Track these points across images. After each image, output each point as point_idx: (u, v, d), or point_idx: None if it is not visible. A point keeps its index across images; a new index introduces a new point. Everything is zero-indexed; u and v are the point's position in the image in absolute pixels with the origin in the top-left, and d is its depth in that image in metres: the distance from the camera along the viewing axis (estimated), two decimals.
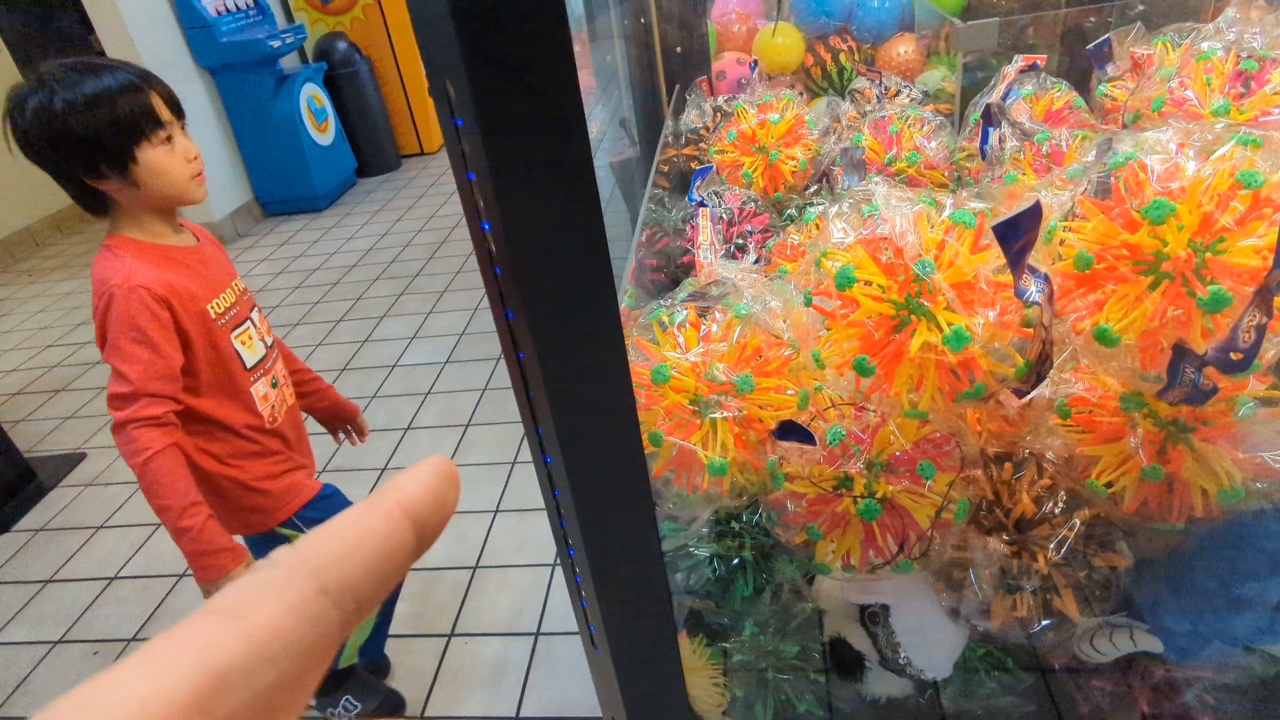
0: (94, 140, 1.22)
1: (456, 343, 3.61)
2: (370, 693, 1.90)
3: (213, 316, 1.37)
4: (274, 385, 1.50)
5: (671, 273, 1.42)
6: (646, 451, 0.74)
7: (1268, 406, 0.69)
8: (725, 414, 0.69)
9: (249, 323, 1.46)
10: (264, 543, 1.54)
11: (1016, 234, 0.54)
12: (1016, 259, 0.56)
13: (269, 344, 1.51)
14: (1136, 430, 0.70)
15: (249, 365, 1.44)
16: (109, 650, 2.29)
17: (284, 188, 5.53)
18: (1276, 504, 0.66)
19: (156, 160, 1.27)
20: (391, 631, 1.97)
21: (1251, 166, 0.56)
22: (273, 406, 1.49)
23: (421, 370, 3.43)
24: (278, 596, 0.18)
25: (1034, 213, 0.54)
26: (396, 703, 1.95)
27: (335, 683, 1.85)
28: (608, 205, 2.31)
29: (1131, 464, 0.71)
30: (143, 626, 2.35)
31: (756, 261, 1.26)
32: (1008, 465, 0.80)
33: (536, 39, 0.49)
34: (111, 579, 2.55)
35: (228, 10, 5.14)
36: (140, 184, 1.28)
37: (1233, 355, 0.57)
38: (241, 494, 1.46)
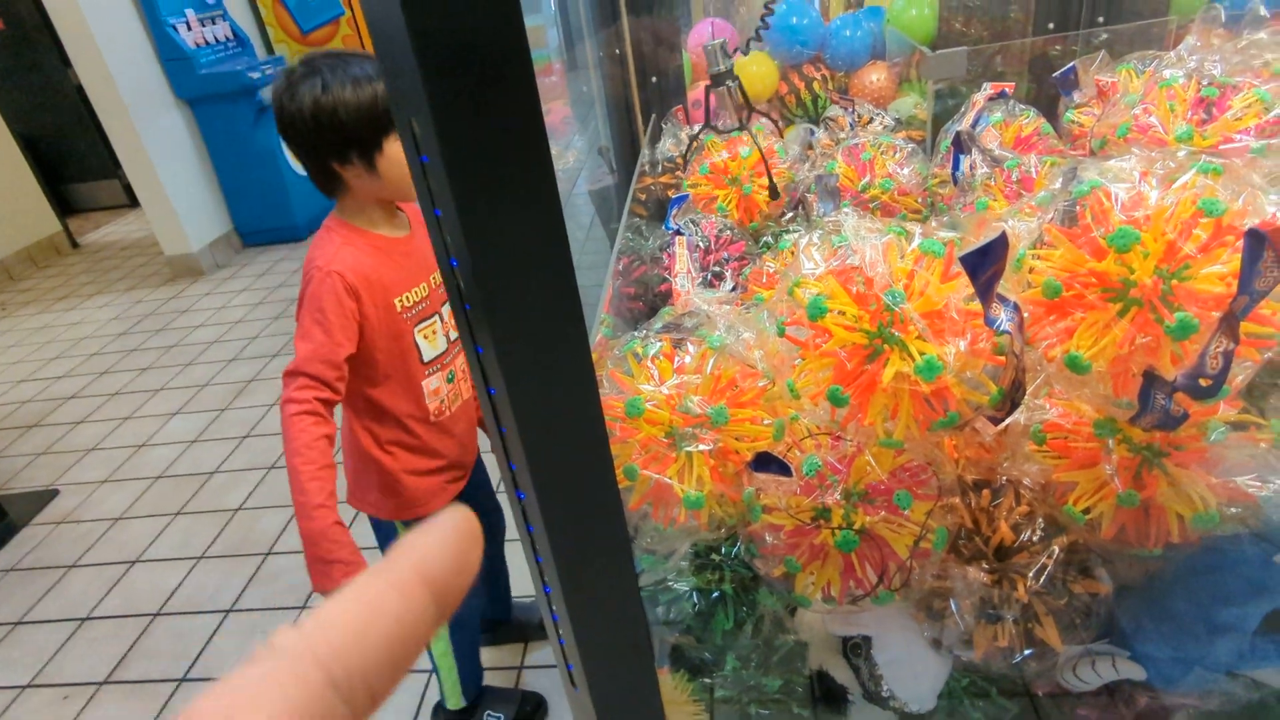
0: (353, 128, 1.28)
1: None
2: (506, 701, 1.89)
3: (399, 309, 1.42)
4: (449, 380, 1.54)
5: (649, 301, 1.42)
6: (622, 486, 0.73)
7: (1239, 430, 0.69)
8: (701, 447, 0.68)
9: (437, 317, 1.50)
10: (388, 534, 1.61)
11: (984, 264, 0.54)
12: (985, 289, 0.56)
13: (453, 339, 1.54)
14: (1111, 456, 0.70)
15: (426, 359, 1.49)
16: (80, 694, 2.22)
17: (263, 218, 5.51)
18: (1252, 529, 0.66)
19: (398, 153, 1.32)
20: None
21: (1213, 195, 0.57)
22: (442, 400, 1.53)
23: None
24: (279, 695, 0.16)
25: (1001, 243, 0.54)
26: (536, 701, 1.93)
27: (468, 709, 1.86)
28: (587, 233, 2.31)
29: (1108, 490, 0.71)
30: (115, 668, 2.29)
31: (734, 289, 1.26)
32: (985, 492, 0.80)
33: (500, 77, 0.49)
34: (84, 620, 2.49)
35: (207, 43, 5.14)
36: (380, 173, 1.34)
37: (1202, 381, 0.57)
38: (384, 479, 1.52)
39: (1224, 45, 1.13)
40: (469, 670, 1.83)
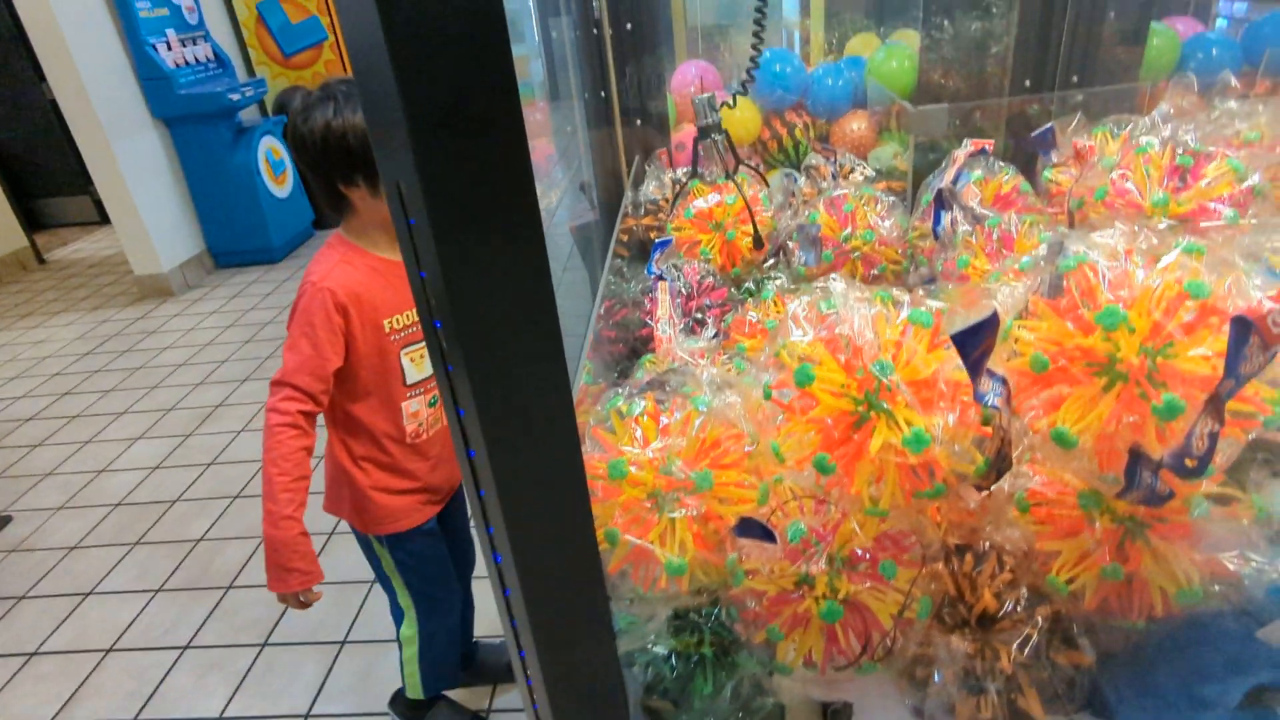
0: (359, 153, 1.33)
1: None
2: (459, 716, 1.91)
3: (387, 330, 1.45)
4: (431, 404, 1.56)
5: (630, 344, 1.41)
6: (602, 549, 0.71)
7: (1221, 504, 0.69)
8: (684, 512, 0.67)
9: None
10: (364, 543, 1.65)
11: (975, 342, 0.54)
12: (975, 366, 0.56)
13: None
14: (1095, 527, 0.70)
15: (409, 381, 1.51)
16: None
17: (238, 239, 5.43)
18: (1235, 605, 0.66)
19: None
20: None
21: (1197, 277, 0.57)
22: (420, 424, 1.55)
23: None
24: None
25: (991, 322, 0.54)
26: None
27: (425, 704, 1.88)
28: (565, 271, 2.31)
29: (1091, 561, 0.70)
30: (63, 707, 2.19)
31: (715, 336, 1.25)
32: (969, 557, 0.80)
33: (492, 143, 0.48)
34: (32, 655, 2.39)
35: (187, 63, 5.11)
36: (383, 197, 1.39)
37: (1188, 462, 0.57)
38: (355, 493, 1.55)
39: (1197, 113, 1.16)
40: (432, 678, 1.83)
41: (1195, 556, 0.66)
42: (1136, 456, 0.60)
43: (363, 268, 1.44)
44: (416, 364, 1.52)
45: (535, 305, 0.53)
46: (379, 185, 1.37)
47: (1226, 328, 0.56)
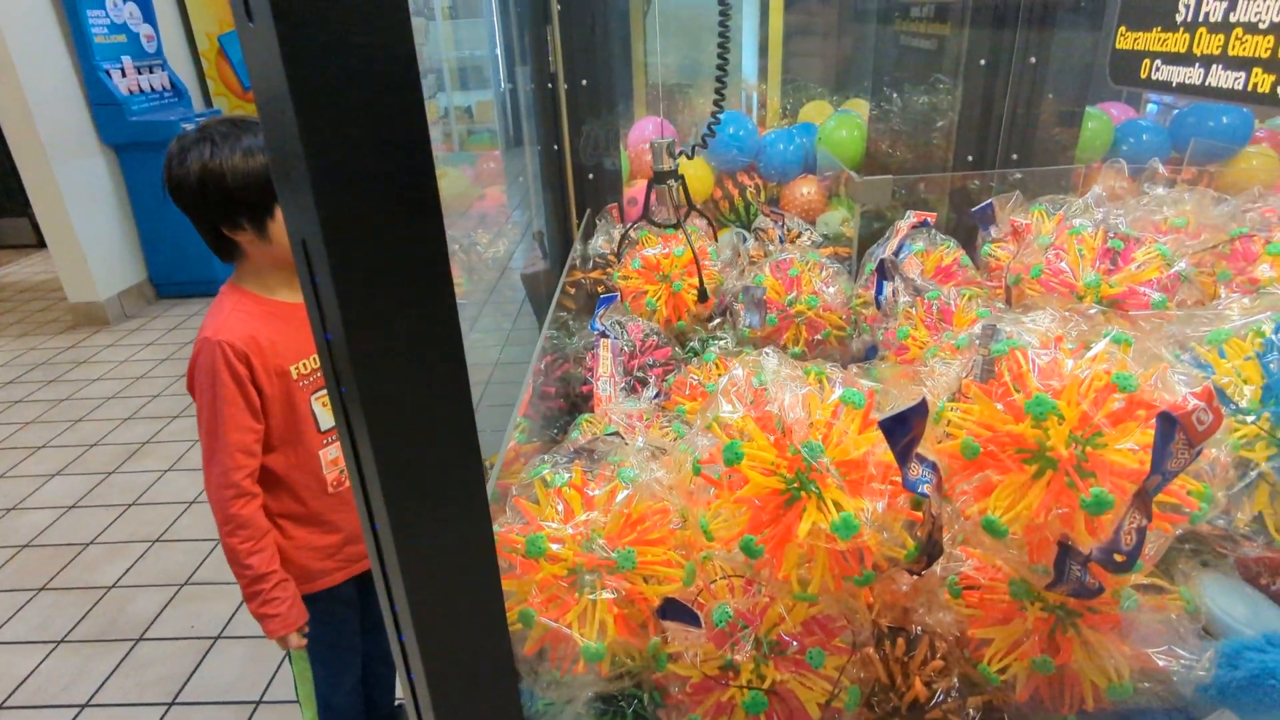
0: (240, 195, 1.28)
1: None
2: None
3: (294, 376, 1.39)
4: None
5: (572, 400, 1.38)
6: (517, 629, 0.67)
7: (1150, 593, 0.69)
8: (605, 594, 0.63)
9: None
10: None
11: (903, 430, 0.52)
12: (904, 452, 0.54)
13: None
14: (1027, 616, 0.68)
15: (324, 428, 1.44)
16: None
17: (183, 269, 5.28)
18: (1165, 702, 0.64)
19: None
20: None
21: (1124, 368, 0.57)
22: (342, 470, 1.48)
23: None
24: None
25: (919, 410, 0.52)
26: None
27: None
28: (517, 320, 2.28)
29: (1023, 650, 0.69)
30: None
31: (656, 396, 1.23)
32: (900, 641, 0.77)
33: (402, 204, 0.45)
34: None
35: (141, 90, 5.01)
36: (273, 238, 1.33)
37: (1116, 556, 0.56)
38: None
39: (1127, 198, 1.20)
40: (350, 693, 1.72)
41: (1125, 650, 0.65)
42: (1066, 549, 0.58)
43: (259, 314, 1.38)
44: (330, 409, 1.46)
45: (446, 373, 0.50)
46: (267, 227, 1.33)
47: (1154, 421, 0.55)
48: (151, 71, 5.18)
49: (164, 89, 5.25)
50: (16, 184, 5.21)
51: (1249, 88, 0.95)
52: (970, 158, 1.65)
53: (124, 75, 4.91)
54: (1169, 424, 0.51)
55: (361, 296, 0.47)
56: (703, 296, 1.44)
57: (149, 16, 5.20)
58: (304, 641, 1.45)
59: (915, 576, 0.71)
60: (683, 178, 1.54)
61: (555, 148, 1.70)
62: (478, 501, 0.54)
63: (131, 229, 5.15)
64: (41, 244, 6.09)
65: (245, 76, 6.02)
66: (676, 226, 1.50)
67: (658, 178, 1.53)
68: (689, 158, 1.53)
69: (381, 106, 0.43)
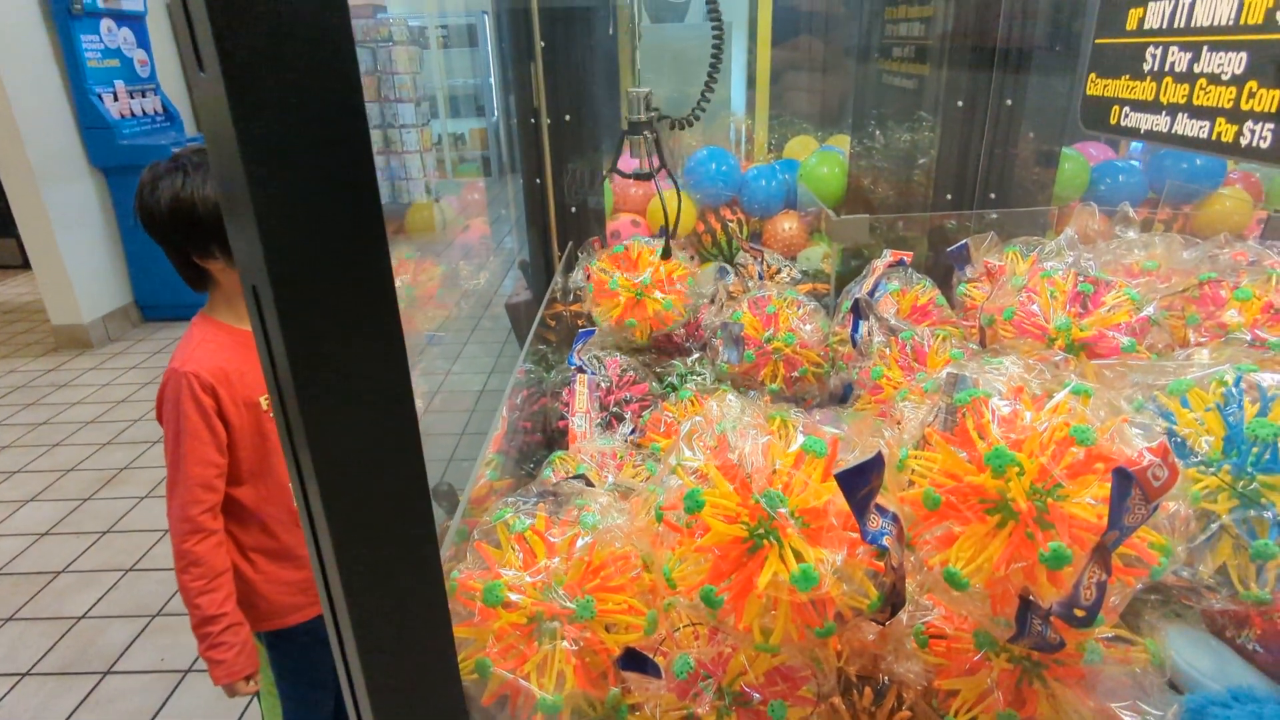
0: (210, 223, 1.28)
1: None
2: None
3: (265, 407, 1.37)
4: None
5: (548, 435, 1.37)
6: (473, 680, 0.65)
7: (1118, 646, 0.68)
8: (564, 644, 0.62)
9: None
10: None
11: (860, 482, 0.52)
12: (862, 505, 0.54)
13: None
14: (993, 668, 0.67)
15: None
16: None
17: (169, 293, 5.25)
18: None
19: None
20: None
21: (1083, 421, 0.57)
22: None
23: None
24: None
25: (876, 464, 0.52)
26: None
27: None
28: (502, 349, 2.27)
29: (990, 703, 0.68)
30: None
31: (632, 432, 1.22)
32: (868, 691, 0.76)
33: (353, 258, 0.45)
34: None
35: (133, 114, 5.03)
36: None
37: (1077, 611, 0.55)
38: (242, 587, 1.44)
39: (1100, 241, 1.21)
40: None
41: (1090, 704, 0.64)
42: (1027, 603, 0.58)
43: (228, 344, 1.37)
44: None
45: (396, 420, 0.50)
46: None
47: (1109, 472, 0.55)
48: (144, 95, 5.20)
49: (156, 113, 5.27)
50: (3, 205, 5.20)
51: (1213, 136, 0.96)
52: (949, 196, 1.67)
53: (116, 99, 4.93)
54: (1125, 480, 0.51)
55: (309, 341, 0.46)
56: (666, 254, 1.43)
57: (143, 42, 5.24)
58: (253, 688, 1.41)
59: (880, 626, 0.70)
60: (657, 131, 1.52)
61: (538, 181, 1.71)
62: (428, 549, 0.53)
63: (119, 252, 5.14)
64: (27, 265, 6.06)
65: None
66: (648, 177, 1.48)
67: (632, 128, 1.50)
68: (683, 128, 1.51)
69: (329, 153, 0.43)
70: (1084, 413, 0.58)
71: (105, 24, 4.89)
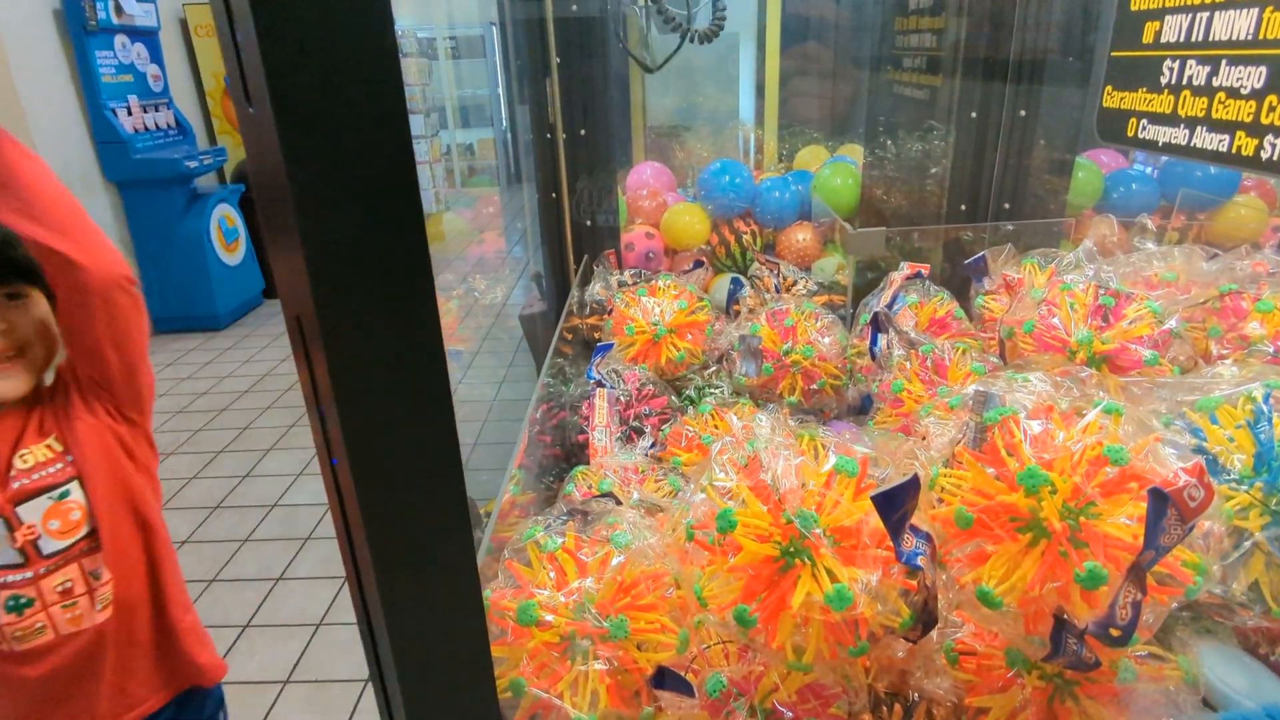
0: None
1: None
2: None
3: None
4: (19, 607, 1.11)
5: (568, 449, 1.37)
6: (506, 699, 0.66)
7: (1151, 664, 0.68)
8: (597, 665, 0.62)
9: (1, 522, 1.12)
10: None
11: (896, 505, 0.52)
12: (897, 527, 0.54)
13: (45, 552, 1.12)
14: (1025, 685, 0.67)
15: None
16: None
17: (181, 305, 5.29)
18: None
19: None
20: None
21: (1116, 440, 0.57)
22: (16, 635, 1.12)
23: (304, 512, 3.19)
24: None
25: (912, 486, 0.52)
26: None
27: None
28: (514, 359, 2.28)
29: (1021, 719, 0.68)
30: None
31: (653, 446, 1.23)
32: (898, 708, 0.76)
33: (394, 281, 0.46)
34: None
35: (146, 129, 5.08)
36: None
37: (1112, 631, 0.55)
38: None
39: (1118, 252, 1.21)
40: None
41: None
42: (1061, 622, 0.58)
43: None
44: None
45: (438, 447, 0.50)
46: None
47: (1145, 493, 0.55)
48: (157, 110, 5.25)
49: (169, 127, 5.31)
50: None
51: (1233, 150, 0.96)
52: (963, 206, 1.67)
53: (130, 114, 4.98)
54: (1161, 500, 0.51)
55: (353, 370, 0.47)
56: None
57: (156, 57, 5.29)
58: None
59: (911, 644, 0.70)
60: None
61: (554, 195, 1.72)
62: (467, 572, 0.54)
63: (131, 265, 5.18)
64: None
65: None
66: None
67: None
68: (706, 41, 1.53)
69: (376, 188, 0.44)
70: (1116, 432, 0.58)
71: (119, 39, 4.94)
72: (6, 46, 4.27)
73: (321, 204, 0.44)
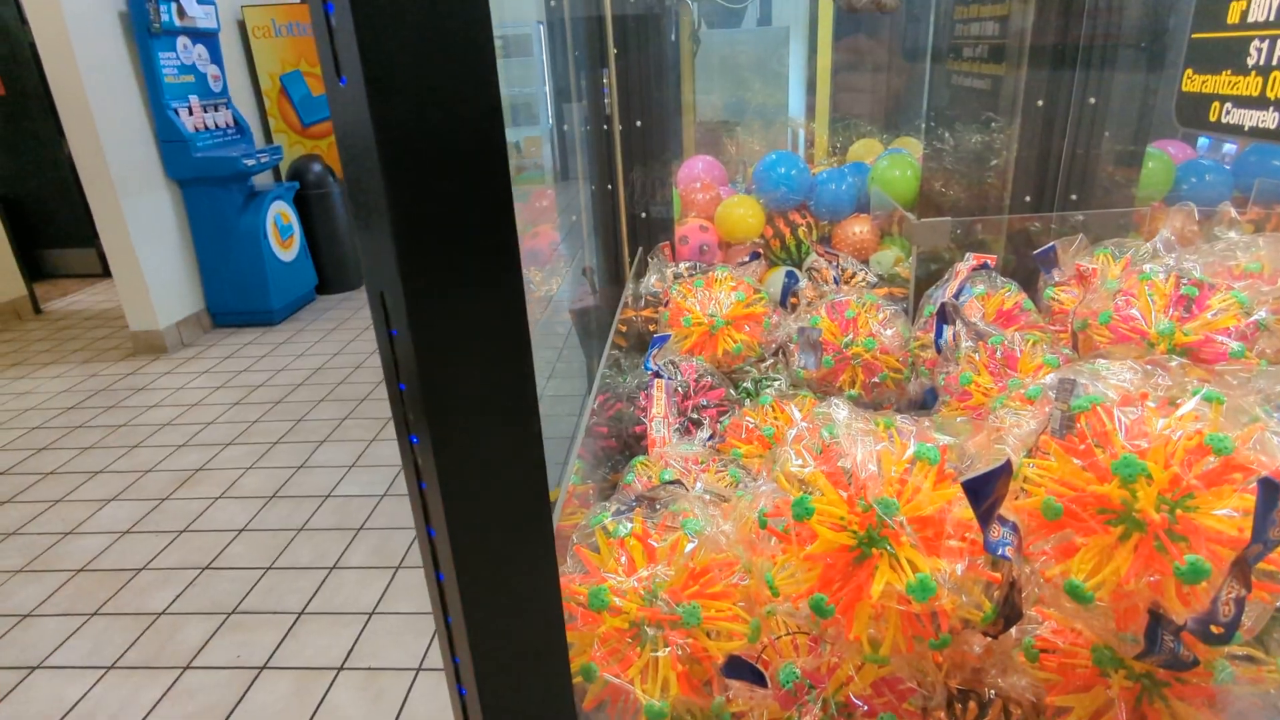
0: None
1: (396, 474, 3.46)
2: None
3: None
4: None
5: (624, 440, 1.37)
6: (576, 683, 0.66)
7: (1246, 665, 0.65)
8: (668, 650, 0.62)
9: None
10: None
11: (986, 491, 0.51)
12: (987, 514, 0.52)
13: None
14: (1111, 685, 0.65)
15: None
16: None
17: (238, 299, 5.45)
18: None
19: None
20: None
21: (1217, 429, 0.54)
22: None
23: (356, 503, 3.25)
24: None
25: (1004, 471, 0.50)
26: None
27: None
28: (563, 352, 2.29)
29: None
30: None
31: (711, 438, 1.22)
32: (973, 705, 0.74)
33: (480, 258, 0.46)
34: None
35: (206, 128, 5.23)
36: None
37: (1214, 629, 0.53)
38: None
39: (1197, 242, 1.16)
40: None
41: None
42: (1157, 618, 0.55)
43: None
44: None
45: (519, 425, 0.50)
46: None
47: (1251, 484, 0.53)
48: (216, 110, 5.41)
49: (228, 126, 5.47)
50: (86, 216, 5.46)
51: None
52: (1028, 198, 1.63)
53: (190, 113, 5.13)
54: (1272, 490, 0.49)
55: (438, 347, 0.47)
56: None
57: (216, 58, 5.44)
58: None
59: (990, 639, 0.68)
60: None
61: (609, 187, 1.72)
62: (546, 552, 0.54)
63: (191, 260, 5.35)
64: (107, 273, 6.35)
65: (304, 114, 6.26)
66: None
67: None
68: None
69: (466, 164, 0.44)
70: (1217, 420, 0.56)
71: (181, 41, 5.09)
72: (75, 48, 4.44)
73: (411, 177, 0.44)
